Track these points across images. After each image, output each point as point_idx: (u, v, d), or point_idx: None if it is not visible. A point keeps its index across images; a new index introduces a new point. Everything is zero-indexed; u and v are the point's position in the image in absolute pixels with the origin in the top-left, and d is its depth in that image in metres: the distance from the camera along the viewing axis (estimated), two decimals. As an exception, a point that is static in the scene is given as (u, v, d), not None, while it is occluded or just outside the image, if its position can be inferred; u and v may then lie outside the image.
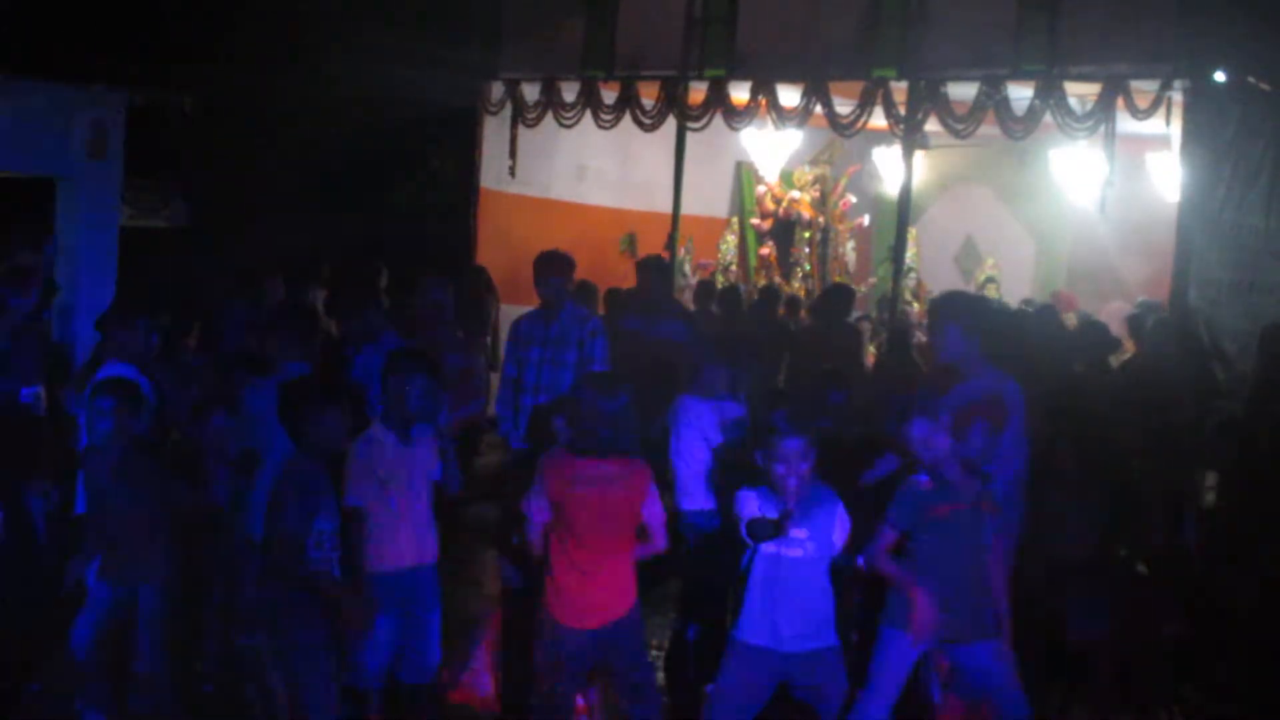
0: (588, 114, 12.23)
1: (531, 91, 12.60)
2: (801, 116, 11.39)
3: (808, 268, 14.47)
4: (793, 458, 5.24)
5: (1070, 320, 11.58)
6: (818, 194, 14.54)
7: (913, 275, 14.10)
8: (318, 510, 5.26)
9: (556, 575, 5.42)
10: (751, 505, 5.28)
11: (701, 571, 6.30)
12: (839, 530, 5.36)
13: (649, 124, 12.05)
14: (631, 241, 14.27)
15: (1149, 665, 6.59)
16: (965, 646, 5.50)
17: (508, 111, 12.73)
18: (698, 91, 11.87)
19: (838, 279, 14.30)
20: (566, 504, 5.36)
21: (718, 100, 11.68)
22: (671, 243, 12.61)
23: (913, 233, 13.56)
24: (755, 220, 14.82)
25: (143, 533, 5.94)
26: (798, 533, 5.26)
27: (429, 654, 5.93)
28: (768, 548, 5.26)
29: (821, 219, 14.53)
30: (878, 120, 11.20)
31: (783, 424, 5.33)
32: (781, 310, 12.45)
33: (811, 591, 5.32)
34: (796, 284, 14.31)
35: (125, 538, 5.94)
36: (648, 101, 12.06)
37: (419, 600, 5.85)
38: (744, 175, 15.13)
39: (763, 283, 13.79)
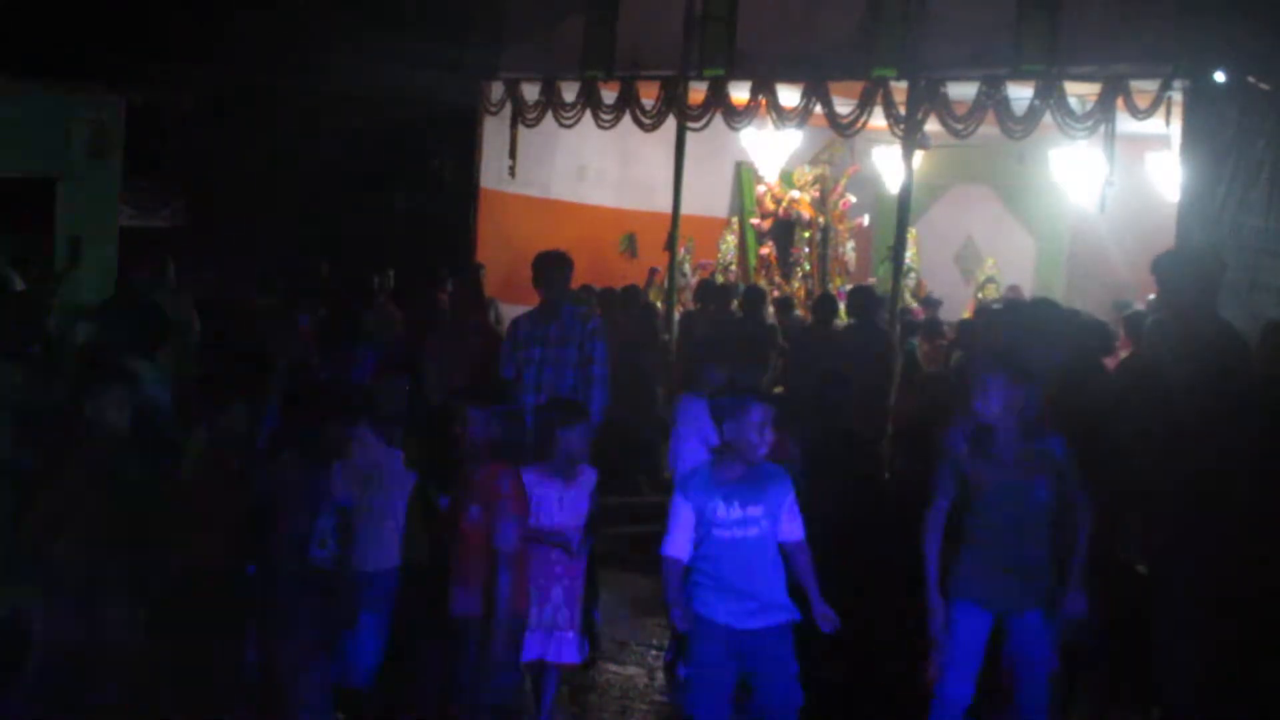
0: (588, 114, 12.22)
1: (531, 91, 12.59)
2: (801, 116, 11.38)
3: (807, 268, 14.46)
4: (758, 427, 5.16)
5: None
6: (818, 194, 14.54)
7: (913, 275, 14.10)
8: (319, 509, 5.27)
9: None
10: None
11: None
12: (788, 514, 5.21)
13: (649, 124, 12.05)
14: (631, 241, 14.29)
15: (1147, 665, 6.57)
16: (1016, 618, 5.37)
17: (508, 111, 12.72)
18: (698, 91, 11.87)
19: (838, 279, 14.32)
20: None
21: (717, 100, 11.67)
22: (671, 243, 12.60)
23: (913, 233, 13.55)
24: (755, 220, 14.82)
25: None
26: (753, 510, 5.15)
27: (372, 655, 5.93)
28: (722, 530, 5.14)
29: (821, 219, 14.52)
30: (878, 120, 11.20)
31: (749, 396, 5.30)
32: (772, 311, 12.43)
33: (763, 567, 5.19)
34: (796, 284, 14.31)
35: None
36: (648, 101, 12.05)
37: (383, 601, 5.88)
38: (744, 175, 15.12)
39: (762, 283, 13.78)
